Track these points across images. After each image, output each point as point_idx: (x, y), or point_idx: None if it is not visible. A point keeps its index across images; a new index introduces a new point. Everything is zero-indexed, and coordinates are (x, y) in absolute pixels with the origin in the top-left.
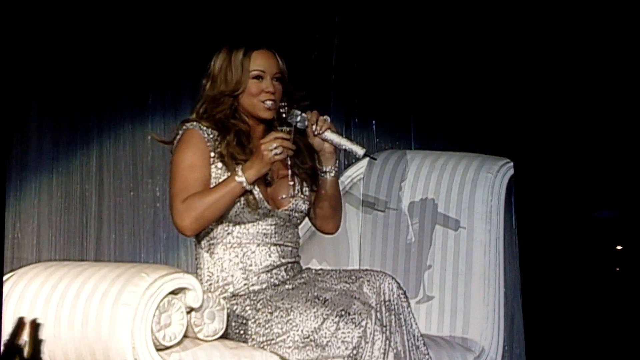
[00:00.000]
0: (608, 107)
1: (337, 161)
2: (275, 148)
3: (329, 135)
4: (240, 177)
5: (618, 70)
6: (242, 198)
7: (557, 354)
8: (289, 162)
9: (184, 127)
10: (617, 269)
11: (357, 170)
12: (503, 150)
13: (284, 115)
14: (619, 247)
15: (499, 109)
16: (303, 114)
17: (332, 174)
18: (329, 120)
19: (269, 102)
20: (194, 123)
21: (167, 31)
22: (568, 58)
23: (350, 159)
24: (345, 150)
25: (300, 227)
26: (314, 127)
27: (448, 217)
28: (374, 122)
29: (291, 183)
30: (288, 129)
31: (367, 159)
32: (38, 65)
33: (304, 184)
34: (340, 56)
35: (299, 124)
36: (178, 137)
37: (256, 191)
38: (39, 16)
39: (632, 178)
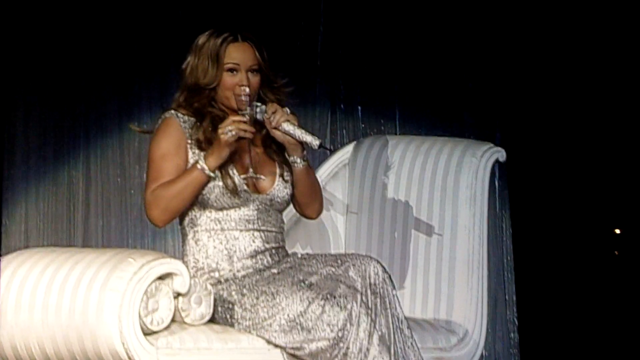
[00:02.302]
0: (597, 88)
1: (304, 150)
2: (231, 130)
3: (285, 127)
4: (201, 165)
5: (600, 55)
6: (221, 183)
7: (550, 341)
8: (249, 145)
9: (163, 116)
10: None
11: (342, 156)
12: (487, 135)
13: (245, 107)
14: (617, 231)
15: (484, 93)
16: (262, 106)
17: (301, 164)
18: (287, 111)
19: (243, 96)
20: (172, 111)
21: (153, 19)
22: (554, 41)
23: (335, 146)
24: (301, 142)
25: (285, 212)
26: (271, 119)
27: (432, 201)
28: (359, 107)
29: (250, 171)
30: (247, 112)
31: (353, 144)
32: (25, 52)
33: (285, 169)
34: (326, 42)
35: (257, 116)
36: (157, 125)
37: (235, 176)
38: (27, 6)
39: (629, 160)
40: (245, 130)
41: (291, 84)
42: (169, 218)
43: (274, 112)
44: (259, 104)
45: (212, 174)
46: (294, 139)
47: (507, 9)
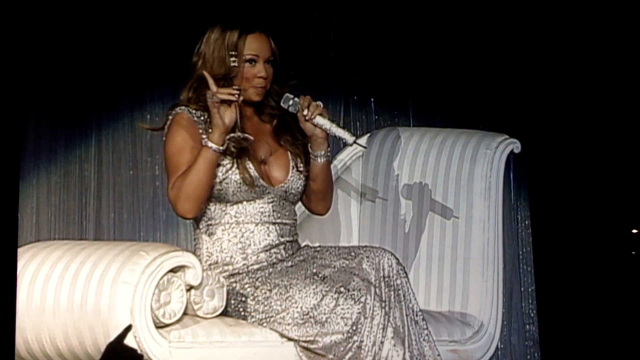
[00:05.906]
0: (618, 81)
1: (329, 146)
2: (214, 96)
3: (320, 120)
4: (205, 141)
5: (623, 46)
6: (239, 176)
7: (569, 336)
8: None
9: (174, 111)
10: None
11: (356, 148)
12: (503, 126)
13: (276, 98)
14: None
15: (499, 85)
16: (295, 99)
17: (324, 159)
18: (321, 105)
19: (260, 88)
20: (183, 107)
21: (164, 11)
22: (571, 30)
23: None
24: (335, 136)
25: (298, 205)
26: (305, 112)
27: (447, 193)
28: (372, 99)
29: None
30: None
31: (367, 136)
32: (36, 46)
33: (299, 160)
34: (339, 34)
35: (290, 108)
36: (168, 122)
37: (251, 169)
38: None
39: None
40: (229, 94)
41: (296, 76)
42: (194, 206)
43: (308, 105)
44: (291, 96)
45: (219, 147)
46: (327, 133)
47: (521, 4)
